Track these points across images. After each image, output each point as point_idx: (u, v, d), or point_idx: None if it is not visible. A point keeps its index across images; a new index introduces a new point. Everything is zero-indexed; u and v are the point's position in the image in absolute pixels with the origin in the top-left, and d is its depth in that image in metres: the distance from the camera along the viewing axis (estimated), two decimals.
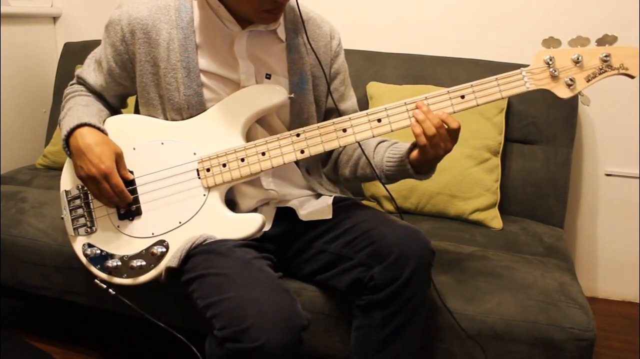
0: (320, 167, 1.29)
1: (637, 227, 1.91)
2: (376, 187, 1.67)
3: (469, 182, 1.60)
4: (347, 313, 1.15)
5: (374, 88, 1.76)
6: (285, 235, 1.18)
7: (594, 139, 1.89)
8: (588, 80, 1.02)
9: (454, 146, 1.07)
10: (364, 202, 1.68)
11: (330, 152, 1.29)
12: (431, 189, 1.61)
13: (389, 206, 1.66)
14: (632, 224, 1.92)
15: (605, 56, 1.01)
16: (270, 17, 1.08)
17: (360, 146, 1.18)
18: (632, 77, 1.02)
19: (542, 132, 1.68)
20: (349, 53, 1.87)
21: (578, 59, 1.01)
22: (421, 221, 1.61)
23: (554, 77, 1.03)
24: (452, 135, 1.05)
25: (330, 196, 1.22)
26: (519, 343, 1.14)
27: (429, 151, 1.04)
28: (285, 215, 1.18)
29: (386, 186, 1.19)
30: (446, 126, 1.03)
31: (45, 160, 2.00)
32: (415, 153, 1.09)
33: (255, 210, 1.18)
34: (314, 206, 1.20)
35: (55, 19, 2.35)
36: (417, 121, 1.03)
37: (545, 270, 1.30)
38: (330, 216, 1.16)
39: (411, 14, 1.95)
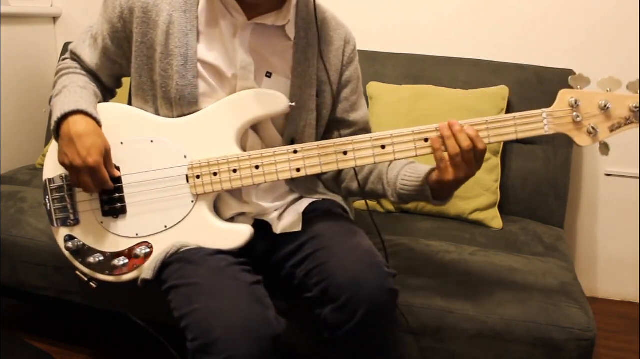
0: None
1: (637, 227, 1.91)
2: None
3: (469, 182, 1.59)
4: None
5: (374, 88, 1.76)
6: (260, 249, 1.13)
7: None
8: (612, 131, 0.95)
9: (477, 170, 0.99)
10: (363, 202, 1.67)
11: None
12: None
13: (389, 206, 1.66)
14: (632, 224, 1.92)
15: (635, 107, 0.93)
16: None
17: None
18: None
19: None
20: None
21: (606, 106, 0.94)
22: (421, 221, 1.61)
23: (577, 123, 0.96)
24: (478, 158, 0.98)
25: (311, 198, 1.17)
26: (519, 343, 1.14)
27: (449, 172, 0.98)
28: (261, 227, 1.12)
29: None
30: (472, 146, 0.96)
31: (45, 160, 1.99)
32: (435, 174, 1.02)
33: (232, 219, 1.13)
34: (287, 216, 1.15)
35: (55, 19, 2.34)
36: (441, 136, 0.96)
37: (546, 270, 1.30)
38: (299, 228, 1.10)
39: (411, 14, 1.95)
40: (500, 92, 1.67)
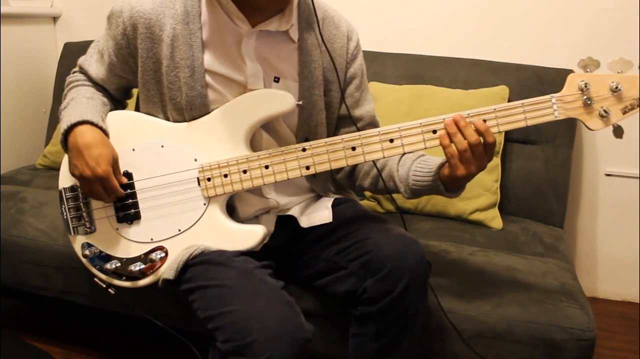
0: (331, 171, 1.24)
1: (637, 227, 1.91)
2: None
3: (469, 182, 1.60)
4: (346, 317, 1.14)
5: (374, 88, 1.76)
6: (286, 245, 1.15)
7: (594, 139, 1.89)
8: (624, 112, 0.91)
9: (489, 162, 0.99)
10: (365, 202, 1.68)
11: None
12: None
13: (389, 206, 1.66)
14: (632, 224, 1.92)
15: None
16: (280, 1, 1.03)
17: (374, 163, 1.13)
18: None
19: (542, 132, 1.68)
20: None
21: (617, 87, 0.91)
22: (421, 221, 1.61)
23: (587, 107, 0.92)
24: (488, 151, 0.97)
25: (330, 197, 1.20)
26: (519, 343, 1.14)
27: (459, 167, 0.97)
28: (286, 223, 1.15)
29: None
30: (482, 140, 0.95)
31: (45, 160, 2.00)
32: (446, 169, 1.02)
33: (255, 218, 1.15)
34: (314, 211, 1.17)
35: (55, 19, 2.35)
36: (447, 133, 0.96)
37: (545, 270, 1.30)
38: (330, 220, 1.13)
39: (411, 14, 1.95)
40: (500, 92, 1.67)
